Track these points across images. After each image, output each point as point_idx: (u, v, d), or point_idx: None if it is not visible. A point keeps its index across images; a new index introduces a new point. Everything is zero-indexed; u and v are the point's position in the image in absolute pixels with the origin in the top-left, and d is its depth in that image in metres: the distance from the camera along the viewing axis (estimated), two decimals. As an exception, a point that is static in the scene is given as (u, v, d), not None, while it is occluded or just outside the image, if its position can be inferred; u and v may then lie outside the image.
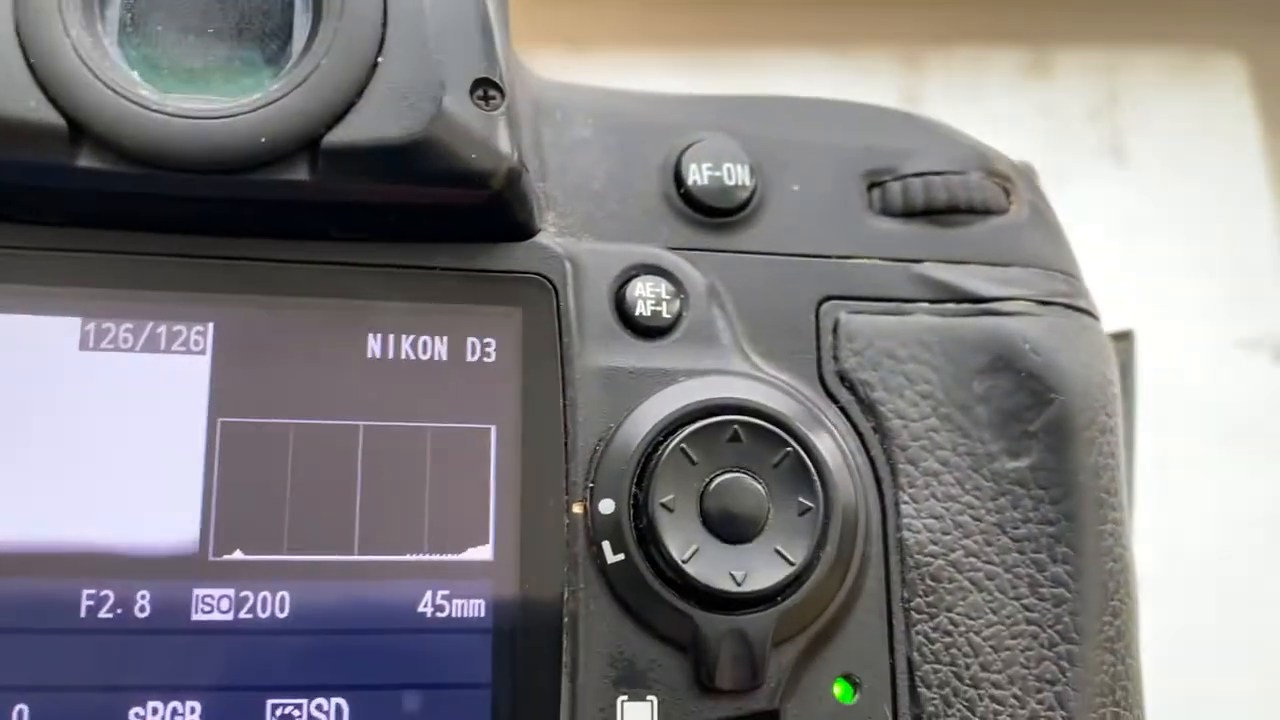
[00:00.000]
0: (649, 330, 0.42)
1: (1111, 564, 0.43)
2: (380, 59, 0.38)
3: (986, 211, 0.46)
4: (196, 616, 0.38)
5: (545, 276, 0.42)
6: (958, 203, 0.46)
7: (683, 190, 0.45)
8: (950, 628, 0.42)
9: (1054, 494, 0.43)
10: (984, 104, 0.97)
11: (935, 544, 0.43)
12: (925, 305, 0.45)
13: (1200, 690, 0.73)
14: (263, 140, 0.37)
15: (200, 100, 0.38)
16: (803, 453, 0.41)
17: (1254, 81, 1.00)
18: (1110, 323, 0.49)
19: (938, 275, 0.45)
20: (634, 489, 0.40)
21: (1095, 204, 0.90)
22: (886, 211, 0.46)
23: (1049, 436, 0.43)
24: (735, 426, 0.40)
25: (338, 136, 0.38)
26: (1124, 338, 0.52)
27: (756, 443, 0.41)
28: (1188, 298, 0.89)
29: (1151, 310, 0.85)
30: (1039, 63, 1.00)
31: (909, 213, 0.46)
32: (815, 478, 0.40)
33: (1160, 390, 0.78)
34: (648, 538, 0.39)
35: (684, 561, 0.39)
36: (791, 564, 0.40)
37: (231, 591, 0.38)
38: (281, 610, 0.38)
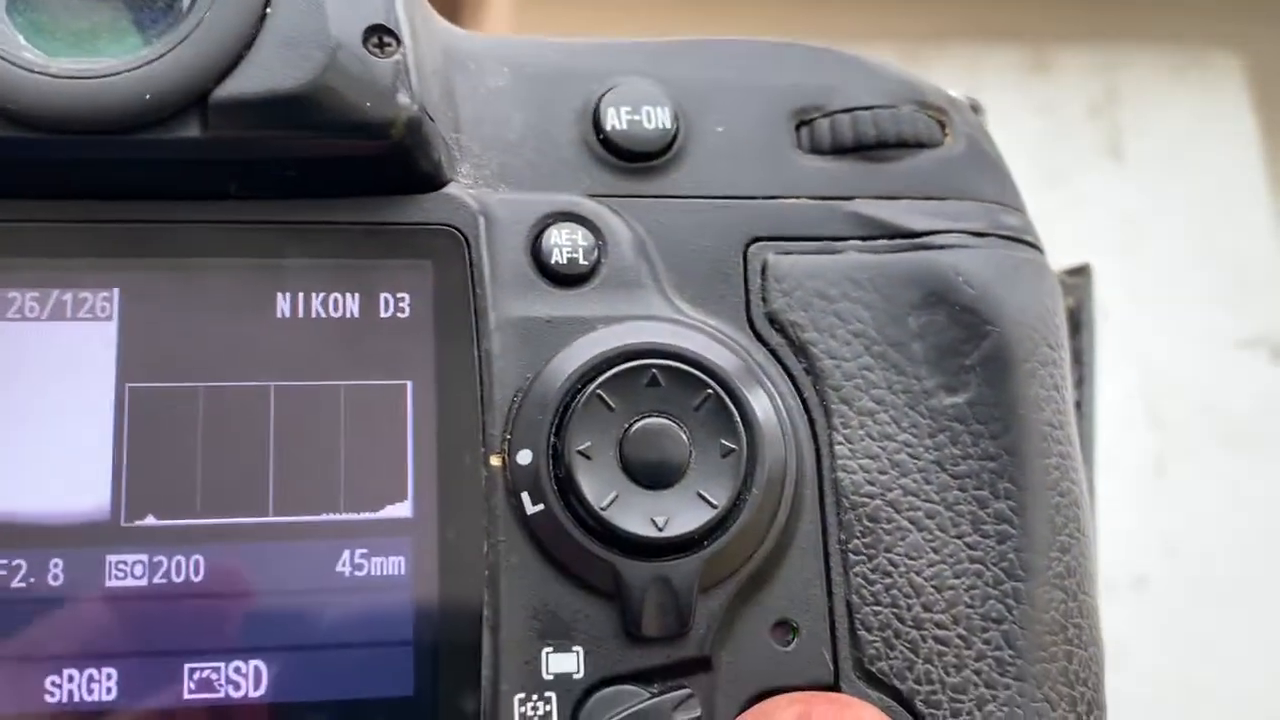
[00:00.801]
0: (566, 279, 0.41)
1: (1058, 498, 0.42)
2: (269, 10, 0.38)
3: (919, 145, 0.45)
4: (110, 583, 0.37)
5: (456, 228, 0.41)
6: (888, 137, 0.44)
7: (602, 136, 0.44)
8: (890, 568, 0.41)
9: (994, 428, 0.42)
10: (983, 102, 0.95)
11: (872, 484, 0.42)
12: (856, 243, 0.43)
13: (1200, 690, 0.73)
14: (148, 97, 0.36)
15: (87, 60, 0.37)
16: (724, 394, 0.40)
17: (1252, 80, 1.00)
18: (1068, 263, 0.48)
19: (868, 212, 0.44)
20: (552, 438, 0.39)
21: (1094, 202, 0.91)
22: (815, 150, 0.45)
23: (987, 370, 0.42)
24: (653, 371, 0.40)
25: (226, 90, 0.37)
26: (1080, 272, 0.50)
27: (676, 386, 0.40)
28: (1186, 296, 0.89)
29: (1150, 309, 0.86)
30: (1038, 61, 1.01)
31: (838, 150, 0.44)
32: (738, 419, 0.39)
33: (1159, 389, 0.81)
34: (566, 487, 0.39)
35: (603, 509, 0.38)
36: (714, 507, 0.39)
37: (145, 557, 0.37)
38: (196, 574, 0.38)
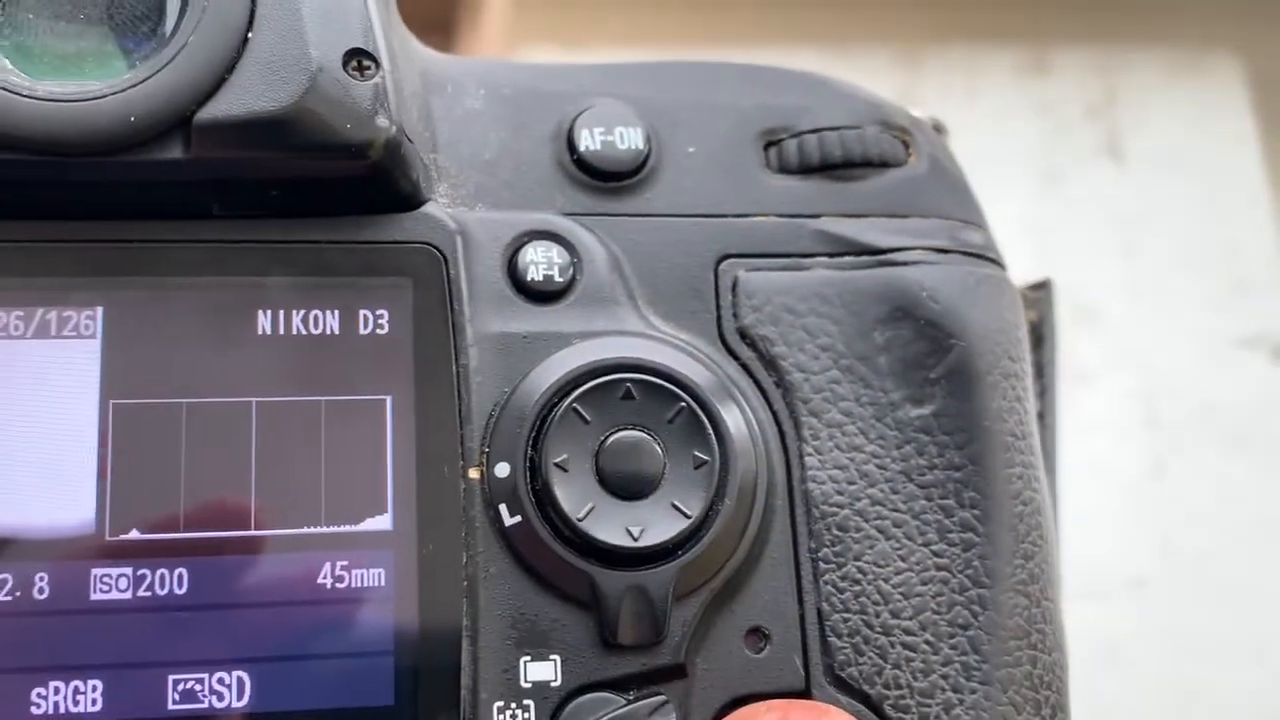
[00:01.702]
0: (542, 295, 0.42)
1: (1021, 507, 0.43)
2: (251, 34, 0.39)
3: (884, 164, 0.46)
4: (95, 596, 0.38)
5: (434, 246, 0.42)
6: (853, 157, 0.46)
7: (576, 157, 0.45)
8: (859, 576, 0.42)
9: (959, 439, 0.43)
10: (982, 103, 1.00)
11: (841, 494, 0.43)
12: (824, 259, 0.45)
13: (1197, 689, 0.74)
14: (132, 120, 0.37)
15: (72, 84, 0.38)
16: (696, 407, 0.41)
17: (1252, 81, 1.01)
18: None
19: (835, 229, 0.45)
20: (529, 451, 0.40)
21: (1093, 202, 0.92)
22: (784, 169, 0.46)
23: (951, 382, 0.44)
24: (628, 384, 0.41)
25: (209, 112, 0.38)
26: (1041, 287, 0.52)
27: (650, 399, 0.41)
28: (1186, 296, 0.89)
29: (1149, 308, 0.87)
30: (1037, 62, 1.02)
31: (806, 169, 0.46)
32: (710, 432, 0.41)
33: (1158, 389, 0.81)
34: (544, 498, 0.40)
35: (579, 520, 0.39)
36: (688, 517, 0.40)
37: (129, 570, 0.38)
38: (180, 587, 0.38)
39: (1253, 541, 0.81)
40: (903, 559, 0.42)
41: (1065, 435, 0.50)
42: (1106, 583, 0.79)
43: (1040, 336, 0.53)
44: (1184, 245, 0.92)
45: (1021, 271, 0.48)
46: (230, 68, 0.38)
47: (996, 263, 0.47)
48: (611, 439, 0.40)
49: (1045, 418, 0.51)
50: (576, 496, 0.39)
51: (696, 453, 0.40)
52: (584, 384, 0.40)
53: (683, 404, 0.41)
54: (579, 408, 0.40)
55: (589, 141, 0.45)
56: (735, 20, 0.98)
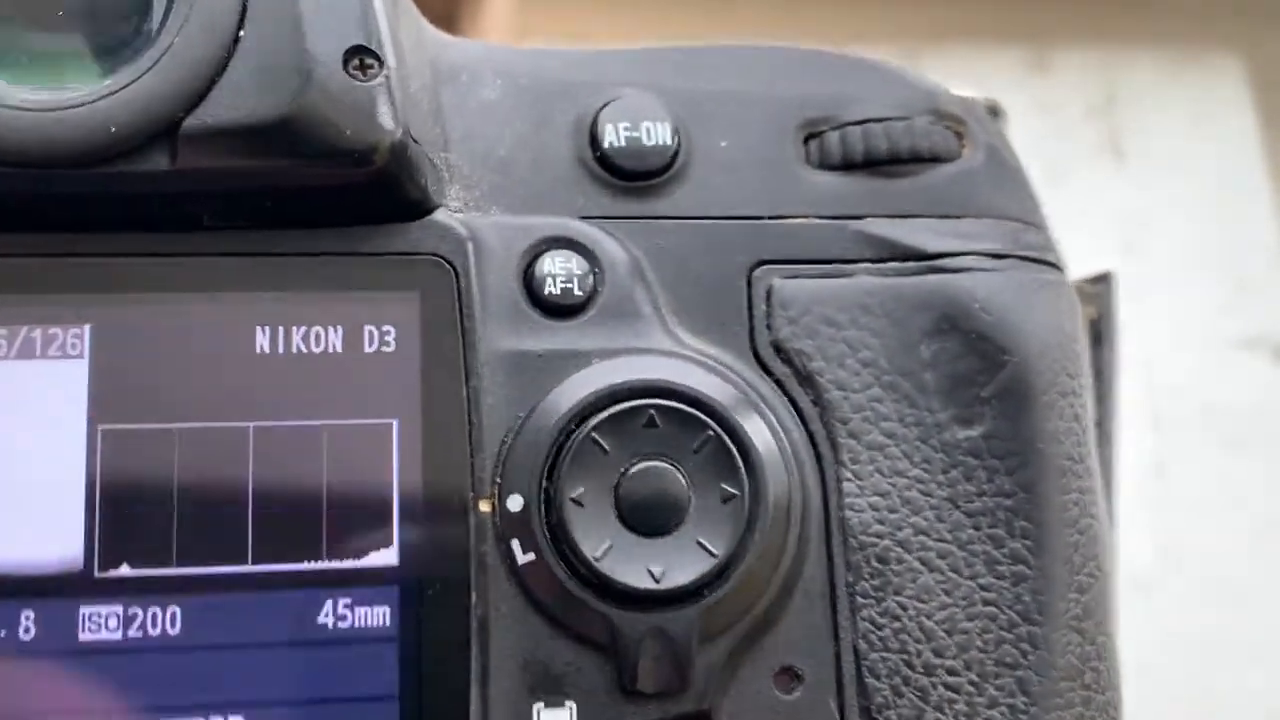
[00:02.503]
0: (560, 309, 0.39)
1: (1077, 536, 0.40)
2: (242, 34, 0.36)
3: (934, 159, 0.42)
4: (84, 636, 0.36)
5: (443, 257, 0.39)
6: (900, 151, 0.42)
7: (599, 154, 0.41)
8: (899, 612, 0.39)
9: (1010, 464, 0.40)
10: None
11: (881, 523, 0.40)
12: (867, 265, 0.41)
13: (1201, 691, 0.72)
14: (112, 129, 0.34)
15: (50, 91, 0.35)
16: (725, 436, 0.38)
17: (1252, 80, 1.00)
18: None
19: (880, 232, 0.41)
20: (544, 483, 0.37)
21: (1094, 202, 0.90)
22: (824, 165, 0.42)
23: (1003, 402, 0.40)
24: (651, 411, 0.38)
25: (197, 119, 0.35)
26: (1101, 280, 0.48)
27: (674, 427, 0.38)
28: (1186, 296, 0.88)
29: (1150, 309, 0.84)
30: (1038, 61, 1.01)
31: (848, 165, 0.42)
32: (739, 463, 0.38)
33: (1159, 390, 0.80)
34: (559, 535, 0.37)
35: (597, 559, 0.36)
36: (714, 556, 0.37)
37: (119, 609, 0.36)
38: (173, 626, 0.36)
39: (1255, 542, 0.79)
40: (947, 593, 0.39)
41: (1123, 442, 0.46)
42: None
43: (1099, 334, 0.49)
44: (1185, 244, 0.91)
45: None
46: (220, 70, 0.35)
47: (1055, 266, 0.43)
48: (633, 470, 0.37)
49: (1103, 425, 0.48)
50: (594, 534, 0.37)
51: (724, 486, 0.37)
52: (603, 410, 0.37)
53: (710, 432, 0.38)
54: (598, 436, 0.37)
55: (613, 137, 0.41)
56: (737, 19, 0.96)
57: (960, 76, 0.97)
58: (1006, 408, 0.40)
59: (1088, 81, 0.99)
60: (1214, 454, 0.82)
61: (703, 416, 0.38)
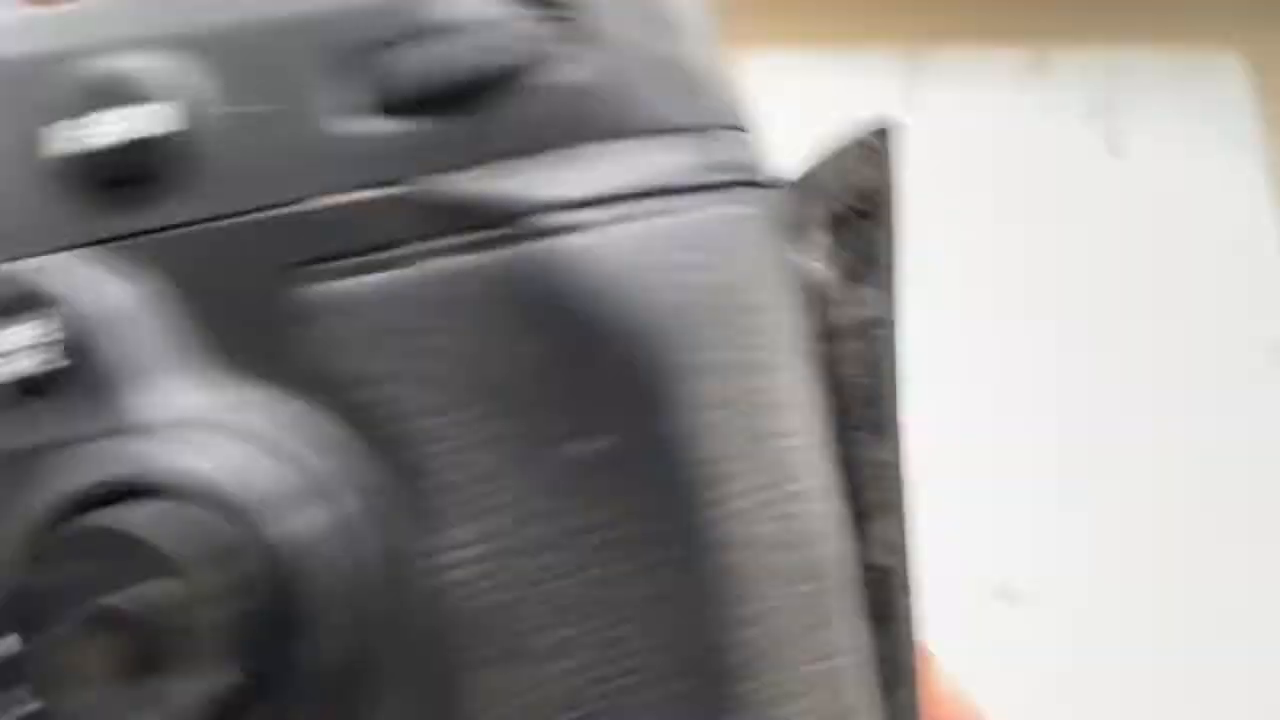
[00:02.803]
0: (26, 392, 0.29)
1: (728, 558, 0.29)
2: None
3: (520, 75, 0.29)
4: None
5: None
6: (471, 76, 0.29)
7: (74, 157, 0.30)
8: (510, 687, 0.29)
9: (645, 477, 0.30)
10: (983, 103, 1.00)
11: (486, 579, 0.30)
12: (434, 245, 0.30)
13: (1200, 690, 0.72)
14: None
15: None
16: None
17: (1253, 81, 1.04)
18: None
19: (446, 193, 0.30)
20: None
21: (1094, 203, 0.93)
22: (367, 111, 0.30)
23: (630, 401, 0.30)
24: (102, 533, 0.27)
25: None
26: (881, 135, 0.36)
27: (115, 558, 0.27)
28: (1187, 298, 0.90)
29: (1150, 310, 0.87)
30: (1038, 62, 1.04)
31: (401, 107, 0.30)
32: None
33: (1159, 389, 0.82)
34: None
35: None
36: None
37: None
38: None
39: (1254, 543, 0.79)
40: (568, 654, 0.29)
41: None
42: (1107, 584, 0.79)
43: (874, 207, 0.36)
44: (1185, 245, 0.93)
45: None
46: None
47: (731, 186, 0.29)
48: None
49: (880, 328, 0.35)
50: None
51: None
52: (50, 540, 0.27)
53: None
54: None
55: (88, 131, 0.30)
56: (738, 19, 0.96)
57: (960, 76, 1.01)
58: (636, 407, 0.30)
59: (1088, 82, 1.03)
60: (1214, 454, 0.82)
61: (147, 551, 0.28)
